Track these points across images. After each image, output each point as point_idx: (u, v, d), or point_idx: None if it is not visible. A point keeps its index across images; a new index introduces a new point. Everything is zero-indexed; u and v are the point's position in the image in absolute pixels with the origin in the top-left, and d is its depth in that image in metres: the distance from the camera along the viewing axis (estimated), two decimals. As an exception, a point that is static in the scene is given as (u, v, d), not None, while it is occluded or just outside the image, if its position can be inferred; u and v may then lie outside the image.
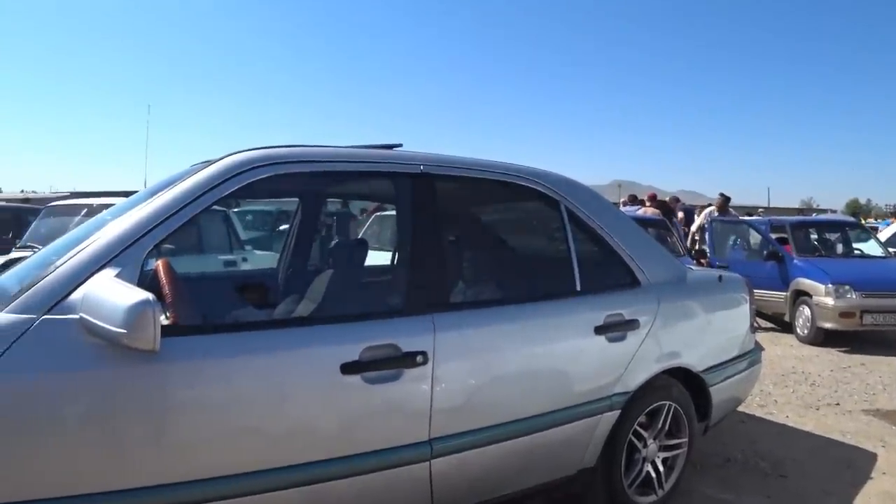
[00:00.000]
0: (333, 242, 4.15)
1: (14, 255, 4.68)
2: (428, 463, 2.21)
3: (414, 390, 2.18)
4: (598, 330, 2.67)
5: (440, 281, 2.42)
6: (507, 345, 2.46)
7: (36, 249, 3.90)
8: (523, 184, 2.79)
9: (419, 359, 2.17)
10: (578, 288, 2.74)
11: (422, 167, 2.49)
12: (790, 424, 4.55)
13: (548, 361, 2.58)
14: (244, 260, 6.33)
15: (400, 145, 2.67)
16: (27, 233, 6.86)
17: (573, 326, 2.65)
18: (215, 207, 2.20)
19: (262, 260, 6.29)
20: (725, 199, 9.87)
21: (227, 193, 2.07)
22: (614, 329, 2.73)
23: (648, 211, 9.83)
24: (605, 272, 2.94)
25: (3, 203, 10.40)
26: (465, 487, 2.38)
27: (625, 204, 12.53)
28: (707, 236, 9.46)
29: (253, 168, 2.12)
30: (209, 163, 2.19)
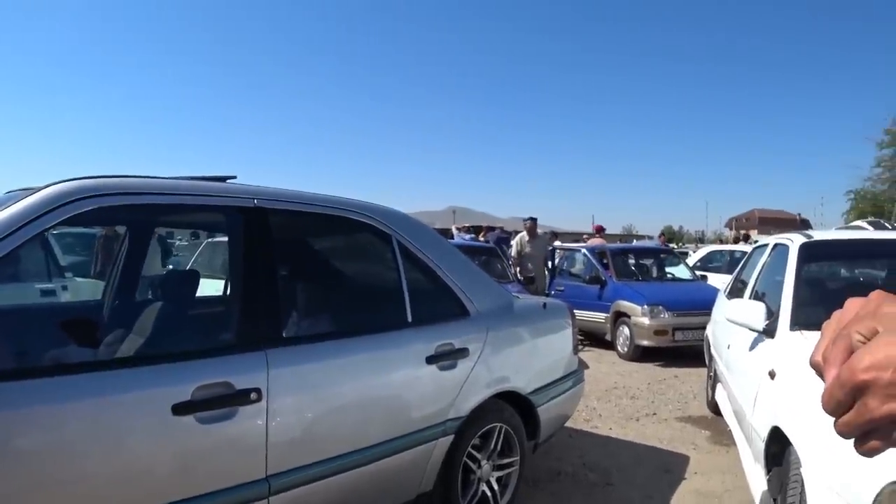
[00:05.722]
0: (163, 274, 3.95)
1: None
2: (266, 500, 2.18)
3: (249, 428, 2.16)
4: (430, 359, 2.78)
5: (273, 316, 2.42)
6: (341, 378, 2.49)
7: None
8: (356, 218, 2.83)
9: (253, 396, 2.15)
10: (410, 319, 2.83)
11: (255, 201, 2.46)
12: (614, 436, 4.93)
13: (382, 392, 2.65)
14: (64, 288, 5.73)
15: (234, 177, 2.62)
16: None
17: (405, 357, 2.74)
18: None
19: (84, 288, 5.83)
20: (534, 222, 9.91)
21: (49, 226, 1.93)
22: (445, 358, 2.84)
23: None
24: (436, 304, 3.05)
25: None
26: None
27: (458, 230, 13.22)
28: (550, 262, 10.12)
29: (80, 199, 2.00)
30: (29, 191, 2.03)
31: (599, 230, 12.49)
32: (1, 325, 2.02)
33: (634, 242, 17.82)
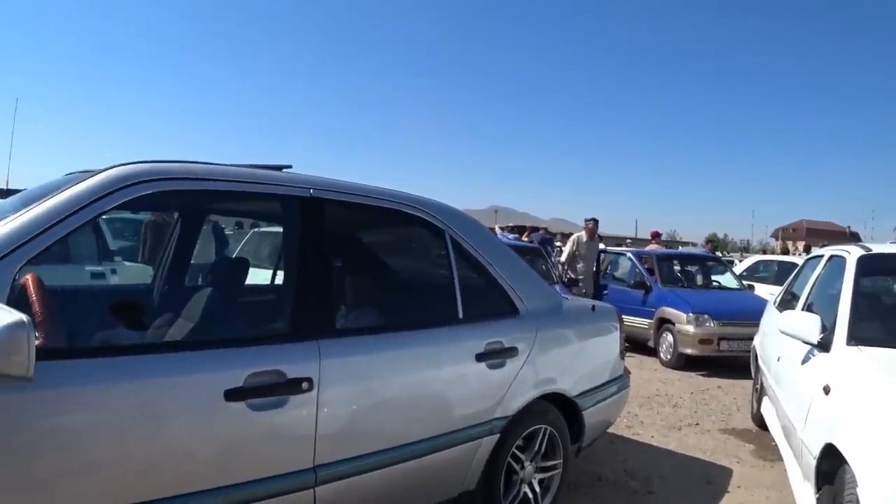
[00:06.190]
0: (215, 260, 3.99)
1: None
2: (312, 490, 2.20)
3: (299, 417, 2.17)
4: (479, 357, 2.77)
5: (327, 306, 2.43)
6: (392, 372, 2.50)
7: None
8: (411, 212, 2.84)
9: (304, 385, 2.16)
10: (461, 316, 2.83)
11: (311, 191, 2.47)
12: (655, 444, 4.87)
13: (431, 388, 2.65)
14: (113, 272, 5.80)
15: (290, 167, 2.63)
16: None
17: (455, 354, 2.74)
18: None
19: (131, 272, 5.93)
20: (596, 223, 9.81)
21: (108, 208, 1.97)
22: (494, 356, 2.83)
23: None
24: (487, 301, 3.04)
25: None
26: None
27: (502, 230, 13.30)
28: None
29: (138, 183, 2.03)
30: (88, 173, 2.07)
31: (656, 236, 12.44)
32: (61, 306, 2.05)
33: (679, 249, 17.68)
